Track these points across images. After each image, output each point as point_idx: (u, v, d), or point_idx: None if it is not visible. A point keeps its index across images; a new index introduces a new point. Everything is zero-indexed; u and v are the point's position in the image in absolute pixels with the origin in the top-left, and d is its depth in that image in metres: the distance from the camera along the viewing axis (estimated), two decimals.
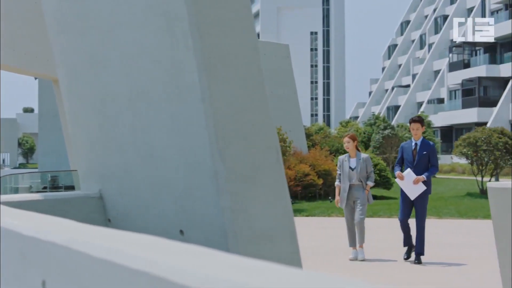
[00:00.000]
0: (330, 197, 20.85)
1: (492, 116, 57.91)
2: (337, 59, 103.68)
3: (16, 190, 25.78)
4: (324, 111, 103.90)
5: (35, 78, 30.28)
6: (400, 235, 10.39)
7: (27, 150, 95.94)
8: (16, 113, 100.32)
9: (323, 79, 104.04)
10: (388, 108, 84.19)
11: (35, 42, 14.08)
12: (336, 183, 10.74)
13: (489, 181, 21.89)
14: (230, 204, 2.76)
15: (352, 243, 10.56)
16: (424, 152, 10.15)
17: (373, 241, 11.98)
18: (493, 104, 60.62)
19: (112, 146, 3.46)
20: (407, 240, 10.26)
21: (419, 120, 10.36)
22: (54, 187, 27.06)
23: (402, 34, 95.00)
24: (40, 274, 1.94)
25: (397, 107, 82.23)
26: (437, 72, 76.87)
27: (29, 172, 35.06)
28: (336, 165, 11.13)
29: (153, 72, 3.01)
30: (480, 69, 63.73)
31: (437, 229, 14.05)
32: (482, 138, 22.51)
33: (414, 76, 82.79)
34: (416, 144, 10.23)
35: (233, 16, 2.83)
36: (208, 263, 1.31)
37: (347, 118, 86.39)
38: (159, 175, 3.12)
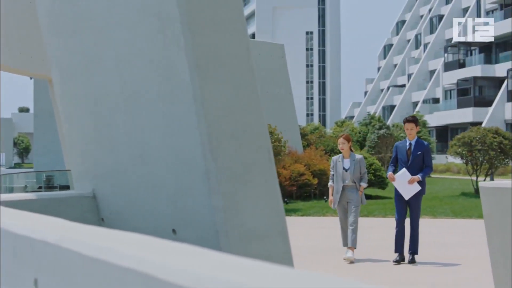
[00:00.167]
0: (325, 197, 20.86)
1: (487, 116, 57.94)
2: (333, 59, 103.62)
3: (11, 190, 25.74)
4: (319, 110, 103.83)
5: (31, 78, 30.23)
6: (393, 235, 10.38)
7: (23, 150, 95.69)
8: (11, 112, 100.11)
9: (319, 78, 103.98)
10: (383, 108, 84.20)
11: (30, 42, 14.07)
12: (330, 183, 10.70)
13: (484, 180, 21.93)
14: (221, 203, 2.78)
15: (346, 243, 10.55)
16: (419, 152, 10.13)
17: (368, 241, 12.00)
18: (488, 104, 60.66)
19: (106, 146, 3.48)
20: (399, 247, 10.13)
21: (413, 120, 10.35)
22: (49, 186, 27.01)
23: (397, 34, 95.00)
24: (32, 272, 1.96)
25: (392, 107, 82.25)
26: (432, 72, 76.88)
27: (24, 172, 35.01)
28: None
29: (146, 72, 3.02)
30: (475, 69, 63.77)
31: (431, 228, 14.07)
32: (477, 138, 22.53)
33: (409, 76, 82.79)
34: (410, 144, 10.21)
35: (225, 17, 2.85)
36: (199, 261, 1.32)
37: (342, 117, 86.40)
38: (152, 175, 3.13)
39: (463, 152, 22.66)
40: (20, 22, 14.15)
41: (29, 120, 78.77)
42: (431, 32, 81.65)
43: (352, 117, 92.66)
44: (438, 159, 51.85)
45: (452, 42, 67.17)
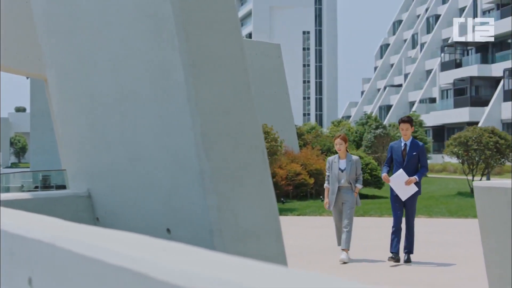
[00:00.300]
0: (321, 196, 20.88)
1: (483, 116, 58.02)
2: (330, 59, 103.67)
3: (7, 190, 25.72)
4: (316, 110, 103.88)
5: (27, 78, 30.21)
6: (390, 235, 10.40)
7: (19, 149, 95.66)
8: (8, 112, 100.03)
9: (316, 78, 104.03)
10: (380, 108, 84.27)
11: (26, 42, 14.07)
12: (325, 185, 10.67)
13: (480, 180, 21.97)
14: (216, 203, 2.79)
15: (341, 242, 10.55)
16: (414, 153, 10.13)
17: (364, 241, 12.03)
18: (485, 103, 60.76)
19: (101, 145, 3.49)
20: (395, 247, 10.11)
21: (409, 120, 10.35)
22: (46, 186, 27.00)
23: (394, 34, 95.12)
24: (26, 271, 1.97)
25: (389, 107, 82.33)
26: (429, 72, 76.98)
27: (21, 172, 34.99)
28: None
29: (140, 72, 3.04)
30: (472, 69, 63.86)
31: (427, 228, 14.10)
32: (473, 138, 22.57)
33: (406, 75, 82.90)
34: (405, 144, 10.20)
35: (219, 17, 2.87)
36: (192, 260, 1.33)
37: (339, 117, 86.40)
38: (147, 175, 3.15)
39: (459, 152, 22.70)
40: (17, 22, 14.15)
41: (25, 119, 78.74)
42: (428, 32, 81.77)
43: (349, 116, 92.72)
44: (435, 159, 51.91)
45: (453, 42, 67.16)
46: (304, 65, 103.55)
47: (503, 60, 61.88)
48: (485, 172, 23.81)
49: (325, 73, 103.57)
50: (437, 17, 79.97)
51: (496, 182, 4.79)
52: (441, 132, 66.06)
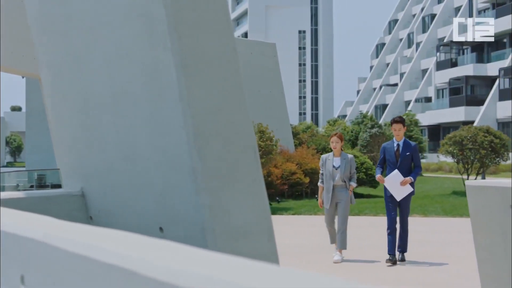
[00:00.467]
0: (316, 195, 20.87)
1: (479, 115, 58.10)
2: (325, 58, 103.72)
3: (2, 189, 25.69)
4: (312, 109, 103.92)
5: (22, 77, 30.18)
6: (385, 234, 10.41)
7: (15, 148, 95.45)
8: (3, 111, 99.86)
9: (311, 77, 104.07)
10: (376, 107, 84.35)
11: (21, 41, 14.07)
12: (319, 183, 10.63)
13: (475, 179, 22.01)
14: (208, 202, 2.81)
15: (334, 240, 10.51)
16: (407, 153, 10.10)
17: (359, 240, 12.05)
18: (480, 103, 60.82)
19: (94, 145, 3.51)
20: (392, 248, 10.12)
21: (401, 120, 10.32)
22: (41, 185, 26.98)
23: (390, 33, 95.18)
24: (19, 269, 1.99)
25: (385, 106, 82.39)
26: (424, 71, 77.05)
27: (16, 171, 34.94)
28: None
29: (133, 72, 3.06)
30: (468, 68, 63.93)
31: (422, 227, 14.12)
32: (468, 137, 22.61)
33: (401, 75, 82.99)
34: (398, 144, 10.17)
35: (211, 18, 2.89)
36: (180, 258, 1.35)
37: (335, 116, 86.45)
38: (140, 174, 3.17)
39: (454, 151, 22.74)
40: (12, 21, 14.15)
41: (21, 119, 78.56)
42: (423, 31, 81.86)
43: (345, 116, 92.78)
44: (430, 158, 51.95)
45: (448, 41, 67.25)
46: (300, 64, 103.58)
47: (499, 60, 61.98)
48: (480, 171, 23.85)
49: (320, 72, 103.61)
50: (432, 16, 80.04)
51: (488, 181, 4.82)
52: (437, 131, 66.13)
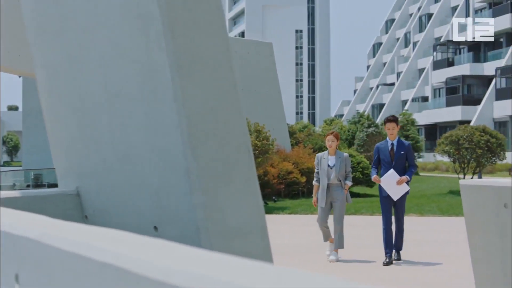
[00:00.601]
0: (312, 195, 20.92)
1: (476, 115, 58.18)
2: (322, 57, 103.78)
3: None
4: (309, 109, 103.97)
5: (19, 76, 30.17)
6: (381, 233, 10.42)
7: (12, 148, 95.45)
8: (0, 111, 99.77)
9: (308, 77, 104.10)
10: (373, 106, 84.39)
11: (18, 40, 14.08)
12: (314, 182, 10.61)
13: (472, 179, 22.03)
14: (202, 201, 2.82)
15: (327, 238, 10.48)
16: (402, 152, 10.09)
17: (355, 239, 12.07)
18: (477, 102, 60.90)
19: (90, 144, 3.52)
20: (389, 248, 10.11)
21: (394, 119, 10.31)
22: (38, 185, 26.98)
23: (387, 33, 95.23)
24: (13, 268, 2.00)
25: (381, 105, 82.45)
26: (421, 71, 77.12)
27: (13, 170, 34.93)
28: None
29: (128, 72, 3.07)
30: (464, 68, 64.00)
31: (418, 226, 14.15)
32: (464, 136, 22.64)
33: (398, 74, 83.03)
34: (392, 144, 10.17)
35: (206, 18, 2.90)
36: (173, 256, 1.36)
37: (332, 116, 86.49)
38: (135, 173, 3.18)
39: (451, 151, 22.77)
40: (9, 21, 14.15)
41: (18, 118, 78.46)
42: (420, 30, 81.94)
43: (342, 115, 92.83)
44: (427, 157, 52.03)
45: (445, 40, 67.33)
46: (296, 64, 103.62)
47: (495, 59, 62.04)
48: (477, 170, 23.89)
49: (317, 71, 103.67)
50: (429, 16, 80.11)
51: (482, 180, 4.84)
52: (434, 131, 66.20)
